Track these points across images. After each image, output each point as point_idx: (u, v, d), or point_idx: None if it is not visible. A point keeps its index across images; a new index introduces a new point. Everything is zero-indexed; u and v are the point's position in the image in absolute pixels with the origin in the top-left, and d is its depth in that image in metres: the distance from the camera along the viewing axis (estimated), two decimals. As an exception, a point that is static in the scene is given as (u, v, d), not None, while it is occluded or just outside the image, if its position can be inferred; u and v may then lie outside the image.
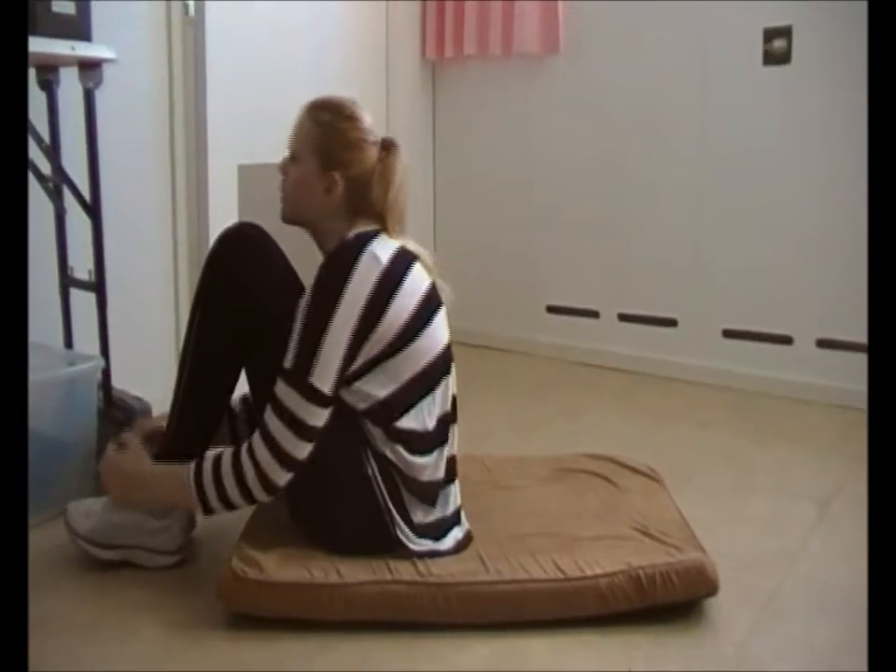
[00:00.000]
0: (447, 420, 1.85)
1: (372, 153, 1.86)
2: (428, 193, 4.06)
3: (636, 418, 2.97)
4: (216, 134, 2.96)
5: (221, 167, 3.00)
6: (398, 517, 1.74)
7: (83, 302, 2.31)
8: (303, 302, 1.69)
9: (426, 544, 1.76)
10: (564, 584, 1.66)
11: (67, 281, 2.37)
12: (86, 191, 2.20)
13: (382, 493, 1.74)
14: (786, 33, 3.10)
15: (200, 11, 2.89)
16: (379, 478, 1.74)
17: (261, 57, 3.10)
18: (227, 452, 1.71)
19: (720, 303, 3.35)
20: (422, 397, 1.78)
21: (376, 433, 1.75)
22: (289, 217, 1.89)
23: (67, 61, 2.14)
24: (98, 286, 2.23)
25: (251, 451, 1.67)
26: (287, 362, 1.67)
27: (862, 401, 2.88)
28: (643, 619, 1.66)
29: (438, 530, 1.79)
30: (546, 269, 3.79)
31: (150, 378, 2.56)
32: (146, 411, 2.29)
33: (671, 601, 1.67)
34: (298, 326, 1.68)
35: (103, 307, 2.24)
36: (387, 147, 1.88)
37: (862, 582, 1.80)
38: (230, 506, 1.71)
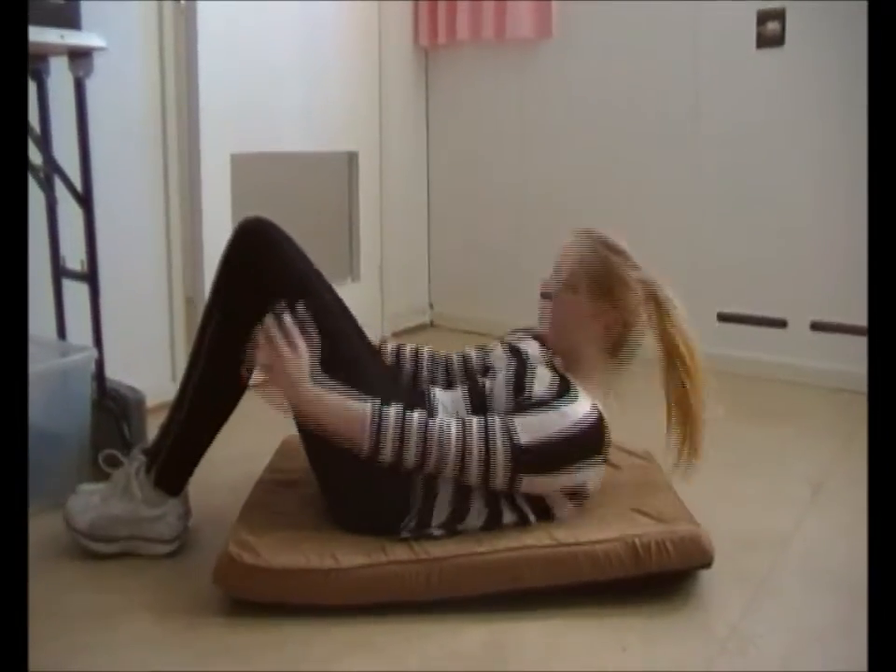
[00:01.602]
0: None
1: (640, 296, 1.87)
2: (422, 180, 4.05)
3: (630, 402, 2.97)
4: (208, 123, 2.96)
5: (214, 156, 3.00)
6: (415, 518, 1.74)
7: (76, 293, 2.30)
8: (562, 417, 1.71)
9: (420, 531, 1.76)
10: (559, 550, 1.67)
11: (59, 272, 2.37)
12: (77, 181, 2.20)
13: (416, 494, 1.74)
14: (779, 15, 3.09)
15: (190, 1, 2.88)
16: (421, 480, 1.74)
17: (254, 44, 3.10)
18: (421, 414, 1.71)
19: (714, 287, 3.35)
20: None
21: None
22: (557, 347, 1.91)
23: (57, 49, 2.12)
24: (91, 276, 2.22)
25: (474, 435, 1.69)
26: (523, 439, 1.68)
27: (856, 383, 2.90)
28: (637, 600, 1.67)
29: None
30: (539, 254, 3.77)
31: (144, 368, 2.57)
32: (140, 401, 2.29)
33: (666, 569, 1.68)
34: (548, 428, 1.70)
35: (95, 297, 2.23)
36: (656, 299, 1.87)
37: (856, 562, 1.81)
38: (398, 461, 1.69)
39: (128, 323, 2.67)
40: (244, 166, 3.12)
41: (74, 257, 2.29)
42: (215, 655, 1.52)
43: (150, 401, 2.32)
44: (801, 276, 3.15)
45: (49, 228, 2.35)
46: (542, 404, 1.73)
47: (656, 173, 3.45)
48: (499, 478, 1.70)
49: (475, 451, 1.68)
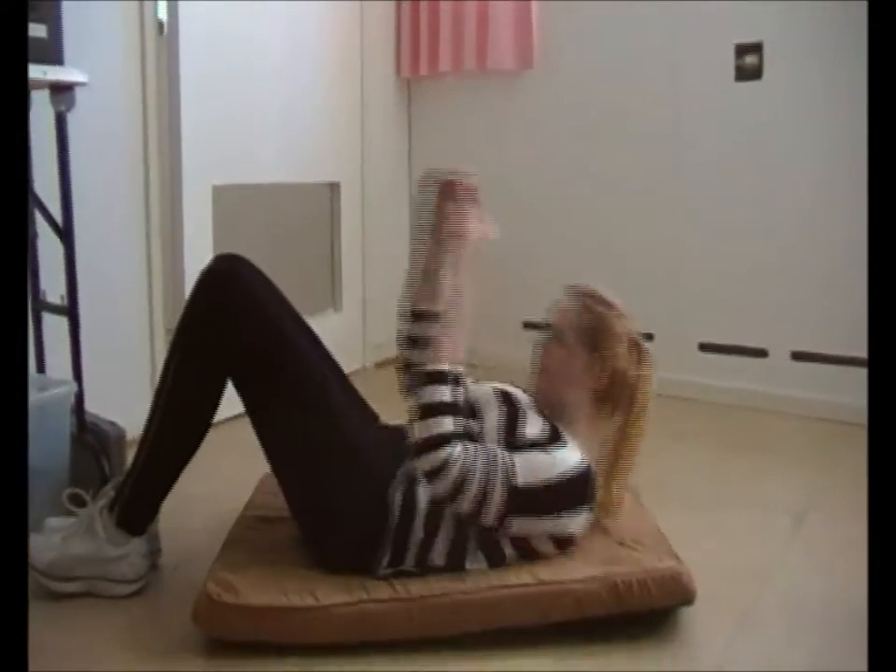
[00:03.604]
0: None
1: (627, 352, 1.90)
2: (404, 211, 4.06)
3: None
4: (190, 155, 2.96)
5: (196, 188, 3.00)
6: (390, 550, 1.72)
7: (56, 327, 2.29)
8: (554, 464, 1.72)
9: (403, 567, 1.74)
10: (541, 589, 1.66)
11: (39, 305, 2.35)
12: (58, 215, 2.19)
13: (391, 523, 1.71)
14: (757, 48, 3.14)
15: (173, 32, 2.89)
16: (398, 509, 1.71)
17: (236, 78, 3.11)
18: None
19: (695, 317, 3.37)
20: None
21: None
22: (546, 396, 1.91)
23: (39, 84, 2.12)
24: (70, 310, 2.20)
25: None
26: (520, 480, 1.69)
27: (837, 413, 2.93)
28: (621, 634, 1.67)
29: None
30: (522, 284, 3.80)
31: (124, 402, 2.54)
32: (120, 436, 2.28)
33: (647, 608, 1.68)
34: (541, 474, 1.71)
35: (75, 331, 2.22)
36: (640, 354, 1.91)
37: (837, 592, 1.82)
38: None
39: (108, 357, 2.66)
40: (225, 198, 3.12)
41: (54, 290, 2.27)
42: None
43: (130, 436, 2.30)
44: (782, 306, 3.17)
45: (30, 261, 2.34)
46: (536, 446, 1.74)
47: (637, 203, 3.47)
48: (491, 515, 1.69)
49: (475, 484, 1.67)
